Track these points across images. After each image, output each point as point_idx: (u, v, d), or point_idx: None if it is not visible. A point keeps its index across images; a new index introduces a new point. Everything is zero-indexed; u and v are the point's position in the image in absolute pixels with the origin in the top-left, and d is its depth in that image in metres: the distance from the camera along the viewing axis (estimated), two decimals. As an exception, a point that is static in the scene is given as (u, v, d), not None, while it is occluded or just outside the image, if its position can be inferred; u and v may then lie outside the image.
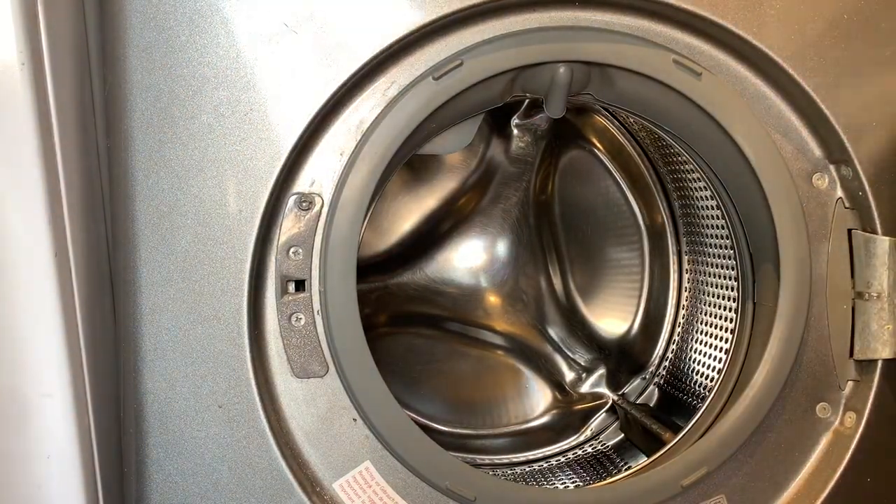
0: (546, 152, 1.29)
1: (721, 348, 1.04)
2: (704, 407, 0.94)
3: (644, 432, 1.09)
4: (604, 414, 1.22)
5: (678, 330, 1.18)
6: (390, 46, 0.75)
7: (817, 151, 0.87)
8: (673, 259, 1.19)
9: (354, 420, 0.79)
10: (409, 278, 1.31)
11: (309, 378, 0.78)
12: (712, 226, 1.07)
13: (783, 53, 0.82)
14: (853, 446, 0.87)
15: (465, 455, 1.16)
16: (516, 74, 0.81)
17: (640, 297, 1.23)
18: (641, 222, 1.22)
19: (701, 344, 1.11)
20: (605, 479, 0.95)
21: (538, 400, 1.27)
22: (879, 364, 0.87)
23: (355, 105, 0.77)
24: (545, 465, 1.16)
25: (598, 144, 1.23)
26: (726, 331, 1.03)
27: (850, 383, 0.89)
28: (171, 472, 0.75)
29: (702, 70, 0.81)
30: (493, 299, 1.33)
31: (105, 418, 0.78)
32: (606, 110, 1.18)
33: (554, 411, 1.25)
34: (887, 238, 0.85)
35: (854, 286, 0.88)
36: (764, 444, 0.88)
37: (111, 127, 0.74)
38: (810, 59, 0.82)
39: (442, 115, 0.80)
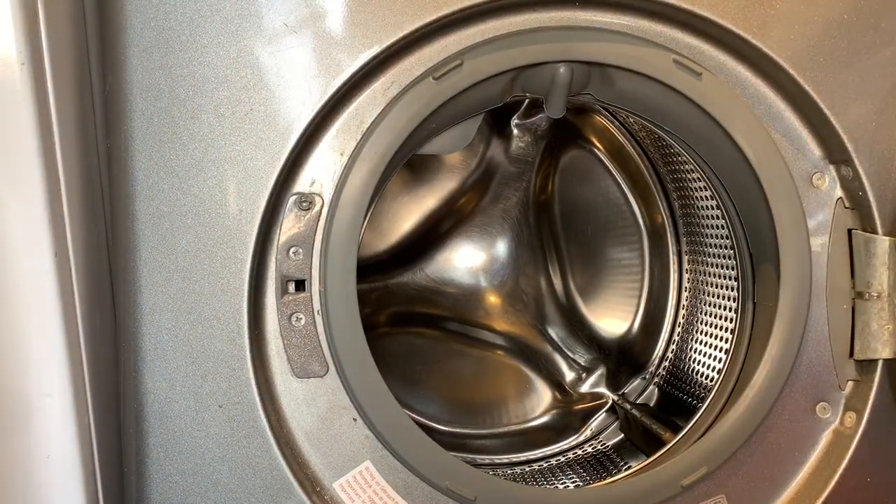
0: (546, 152, 1.29)
1: (721, 348, 1.04)
2: (704, 407, 0.94)
3: (644, 432, 1.09)
4: (604, 414, 1.22)
5: (678, 330, 1.18)
6: (390, 46, 0.75)
7: (817, 151, 0.87)
8: (673, 259, 1.19)
9: (354, 420, 0.79)
10: (410, 278, 1.31)
11: (309, 378, 0.78)
12: (712, 226, 1.07)
13: (783, 53, 0.82)
14: (853, 446, 0.87)
15: (465, 455, 1.16)
16: (516, 74, 0.81)
17: (640, 296, 1.23)
18: (641, 222, 1.22)
19: (701, 344, 1.11)
20: (605, 479, 0.95)
21: (538, 400, 1.27)
22: (879, 364, 0.87)
23: (355, 105, 0.77)
24: (545, 465, 1.16)
25: (598, 144, 1.23)
26: (726, 331, 1.03)
27: (850, 383, 0.89)
28: (171, 472, 0.75)
29: (702, 70, 0.81)
30: (493, 299, 1.33)
31: (105, 418, 0.78)
32: (606, 110, 1.18)
33: (554, 411, 1.25)
34: (887, 238, 0.85)
35: (854, 286, 0.88)
36: (764, 444, 0.88)
37: (111, 127, 0.74)
38: (810, 59, 0.82)
39: (442, 115, 0.80)
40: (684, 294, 1.18)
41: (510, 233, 1.32)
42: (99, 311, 0.78)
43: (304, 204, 0.77)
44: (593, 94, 0.86)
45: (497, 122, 1.27)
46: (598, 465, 1.12)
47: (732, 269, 1.01)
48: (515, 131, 1.28)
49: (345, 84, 0.75)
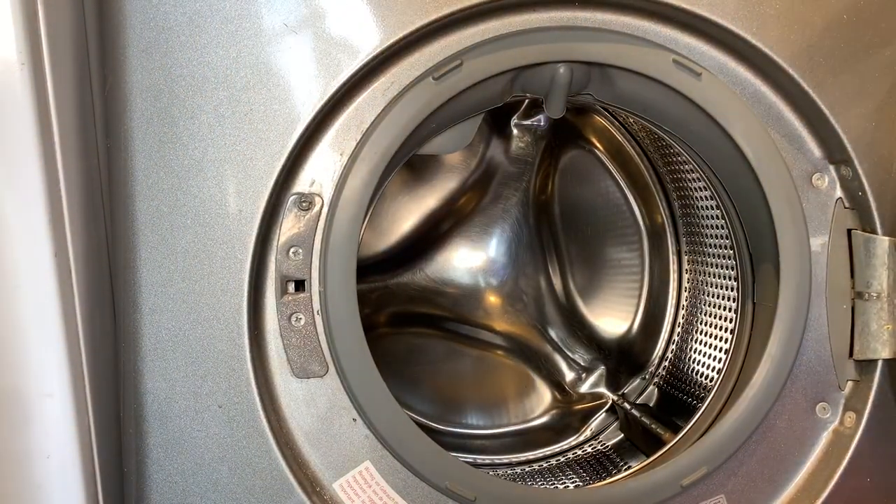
0: (546, 152, 1.29)
1: (721, 348, 1.04)
2: (704, 407, 0.94)
3: (644, 432, 1.09)
4: (604, 414, 1.22)
5: (678, 330, 1.18)
6: (390, 46, 0.75)
7: (817, 151, 0.87)
8: (673, 259, 1.19)
9: (354, 420, 0.79)
10: (409, 278, 1.31)
11: (309, 378, 0.78)
12: (712, 226, 1.07)
13: (783, 53, 0.82)
14: (853, 446, 0.87)
15: (465, 455, 1.16)
16: (516, 74, 0.81)
17: (639, 297, 1.23)
18: (641, 222, 1.22)
19: (701, 344, 1.11)
20: (605, 479, 0.95)
21: (538, 400, 1.27)
22: (879, 364, 0.87)
23: (355, 105, 0.77)
24: (545, 465, 1.16)
25: (598, 144, 1.24)
26: (726, 331, 1.03)
27: (849, 383, 0.89)
28: (171, 472, 0.75)
29: (702, 70, 0.81)
30: (493, 299, 1.33)
31: (105, 418, 0.78)
32: (606, 110, 1.18)
33: (554, 411, 1.25)
34: (887, 238, 0.85)
35: (854, 286, 0.88)
36: (764, 444, 0.88)
37: (111, 127, 0.74)
38: (810, 59, 0.82)
39: (442, 115, 0.80)
40: (684, 294, 1.18)
41: (510, 233, 1.32)
42: (99, 311, 0.78)
43: (303, 204, 0.77)
44: (593, 94, 0.86)
45: (497, 122, 1.27)
46: (598, 465, 1.12)
47: (732, 269, 1.01)
48: (515, 131, 1.28)
49: (345, 84, 0.75)
